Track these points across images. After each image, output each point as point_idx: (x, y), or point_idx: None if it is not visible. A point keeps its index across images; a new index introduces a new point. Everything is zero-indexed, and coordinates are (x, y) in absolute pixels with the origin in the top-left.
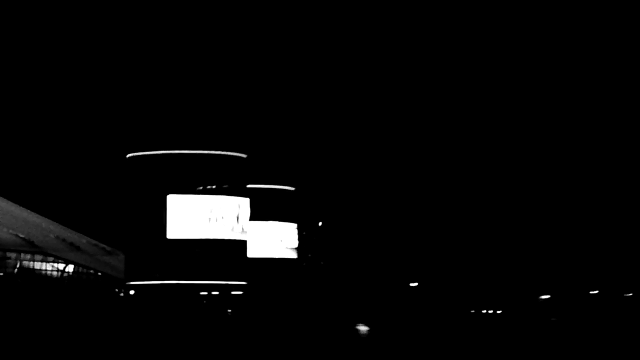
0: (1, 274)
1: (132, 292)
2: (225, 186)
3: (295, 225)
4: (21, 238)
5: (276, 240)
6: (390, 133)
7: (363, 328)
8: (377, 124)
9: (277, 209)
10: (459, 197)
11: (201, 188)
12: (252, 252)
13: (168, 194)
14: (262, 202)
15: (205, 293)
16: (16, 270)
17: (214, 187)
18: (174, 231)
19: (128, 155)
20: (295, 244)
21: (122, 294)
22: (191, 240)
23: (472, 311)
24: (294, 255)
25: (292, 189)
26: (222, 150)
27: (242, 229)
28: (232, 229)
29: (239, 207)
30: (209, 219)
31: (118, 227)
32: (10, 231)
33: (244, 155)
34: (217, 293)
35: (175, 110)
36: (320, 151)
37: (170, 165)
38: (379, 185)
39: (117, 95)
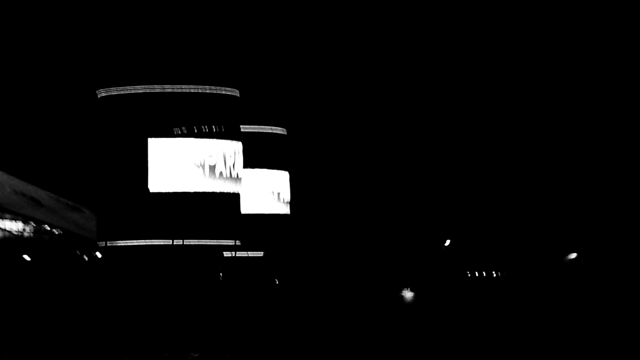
0: None
1: (98, 254)
2: (217, 128)
3: (287, 174)
4: None
5: (267, 191)
6: (399, 69)
7: (408, 294)
8: (383, 59)
9: (268, 154)
10: (472, 144)
11: (189, 130)
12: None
13: (149, 137)
14: (249, 147)
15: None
16: None
17: (204, 129)
18: (157, 182)
19: (100, 94)
20: (289, 196)
21: (94, 256)
22: (178, 193)
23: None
24: (286, 210)
25: (284, 131)
26: (212, 86)
27: (237, 179)
28: (225, 179)
29: (233, 152)
30: (199, 166)
31: (87, 179)
32: None
33: (236, 93)
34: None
35: (156, 40)
36: (316, 85)
37: (152, 104)
38: (380, 133)
39: (86, 21)
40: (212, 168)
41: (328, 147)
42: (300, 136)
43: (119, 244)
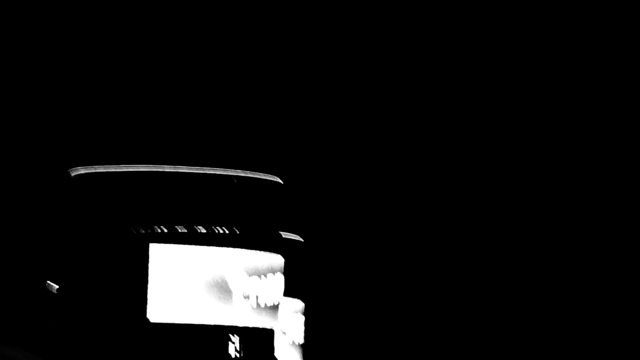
0: None
1: None
2: (252, 234)
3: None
4: None
5: (234, 289)
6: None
7: None
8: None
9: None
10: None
11: (209, 234)
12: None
13: (150, 242)
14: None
15: None
16: None
17: (233, 233)
18: (160, 310)
19: (73, 173)
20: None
21: None
22: (191, 326)
23: None
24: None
25: (279, 180)
26: (242, 170)
27: (275, 308)
28: (261, 310)
29: (273, 271)
30: (227, 289)
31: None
32: None
33: (278, 180)
34: None
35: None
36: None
37: (154, 193)
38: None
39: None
40: (246, 293)
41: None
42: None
43: None
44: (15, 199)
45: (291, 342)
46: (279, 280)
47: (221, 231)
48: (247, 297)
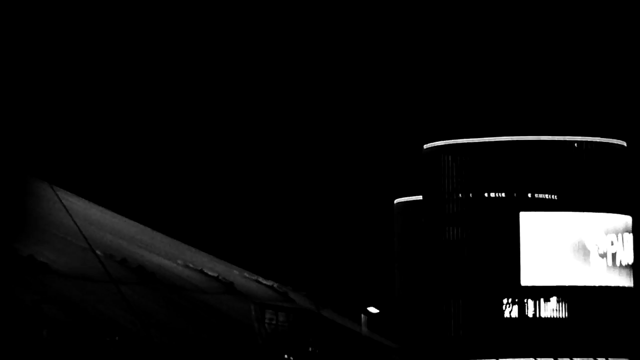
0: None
1: None
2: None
3: (630, 220)
4: (269, 287)
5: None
6: None
7: None
8: None
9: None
10: None
11: (571, 200)
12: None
13: (519, 210)
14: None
15: None
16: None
17: (586, 197)
18: (532, 273)
19: (426, 146)
20: (631, 257)
21: None
22: (562, 288)
23: None
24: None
25: (623, 143)
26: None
27: (630, 267)
28: (621, 269)
29: (624, 231)
30: (590, 252)
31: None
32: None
33: (623, 143)
34: None
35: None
36: None
37: (519, 162)
38: None
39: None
40: (614, 256)
41: None
42: None
43: None
44: (371, 174)
45: (614, 262)
46: (630, 239)
47: (576, 196)
48: (604, 258)
